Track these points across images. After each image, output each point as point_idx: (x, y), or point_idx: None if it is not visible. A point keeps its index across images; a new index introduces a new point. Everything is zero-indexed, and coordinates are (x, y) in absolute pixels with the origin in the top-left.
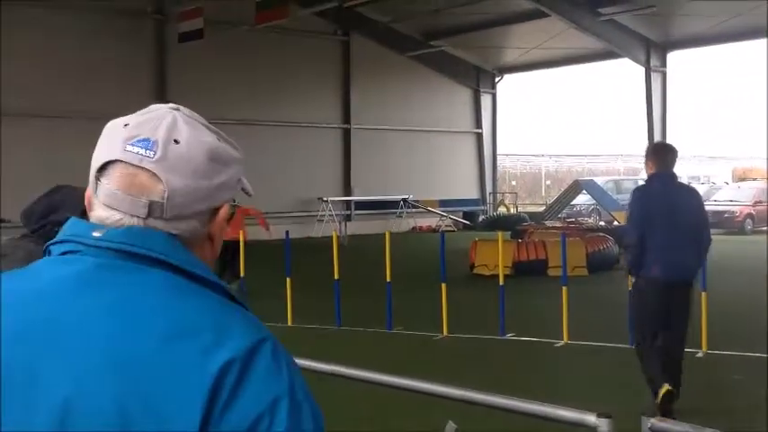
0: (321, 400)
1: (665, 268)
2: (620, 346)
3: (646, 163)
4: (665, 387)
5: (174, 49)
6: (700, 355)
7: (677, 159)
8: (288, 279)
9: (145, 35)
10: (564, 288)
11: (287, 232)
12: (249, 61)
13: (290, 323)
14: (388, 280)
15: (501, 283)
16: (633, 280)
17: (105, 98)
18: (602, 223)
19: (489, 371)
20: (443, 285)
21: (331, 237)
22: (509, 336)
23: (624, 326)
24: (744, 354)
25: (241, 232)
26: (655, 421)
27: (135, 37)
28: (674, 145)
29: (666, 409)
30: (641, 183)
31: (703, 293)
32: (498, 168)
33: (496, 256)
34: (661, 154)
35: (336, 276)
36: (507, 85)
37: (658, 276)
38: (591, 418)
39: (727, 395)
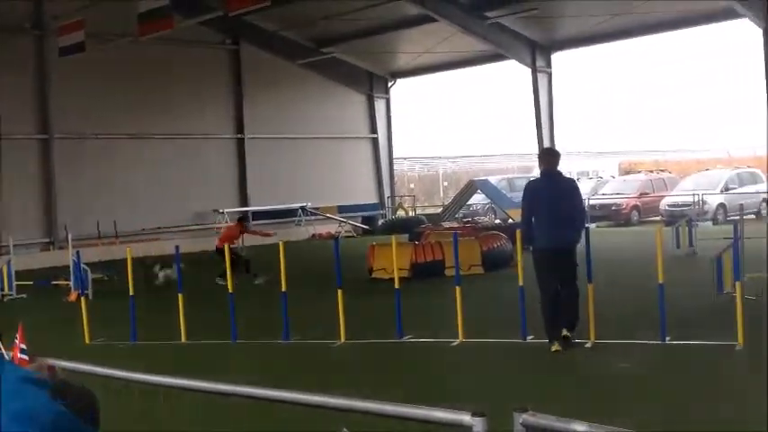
0: (205, 416)
1: (548, 241)
2: (513, 341)
3: (538, 163)
4: (555, 345)
5: (58, 65)
6: (588, 345)
7: (561, 158)
8: (180, 295)
9: (24, 51)
10: (458, 288)
11: (176, 247)
12: (137, 74)
13: (184, 340)
14: (283, 290)
15: (396, 286)
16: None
17: None
18: (497, 221)
19: (385, 375)
20: (340, 292)
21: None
22: (406, 338)
23: (518, 321)
24: (631, 342)
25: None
26: (526, 416)
27: (14, 53)
28: (562, 142)
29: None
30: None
31: (590, 285)
32: (396, 172)
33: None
34: (545, 156)
35: (230, 290)
36: (400, 89)
37: (544, 247)
38: (466, 418)
39: (613, 383)
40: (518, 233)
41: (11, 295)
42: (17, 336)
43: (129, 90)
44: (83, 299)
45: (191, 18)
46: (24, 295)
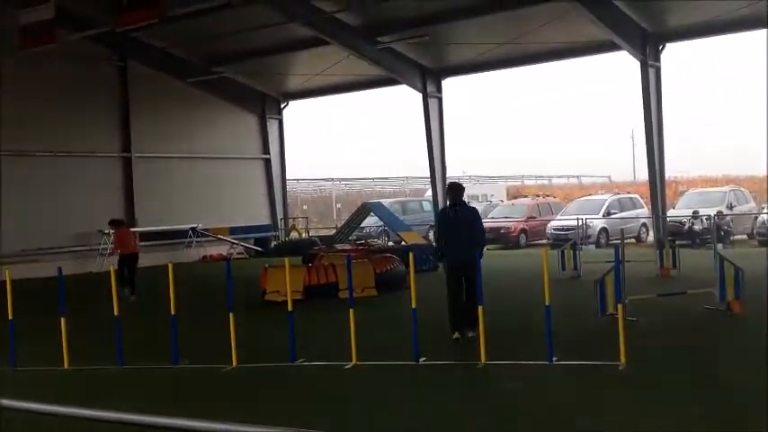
0: None
1: (455, 257)
2: (406, 363)
3: (446, 194)
4: (455, 334)
5: None
6: (479, 366)
7: (464, 189)
8: (62, 319)
9: None
10: (351, 310)
11: (59, 269)
12: (20, 88)
13: (66, 366)
14: (172, 313)
15: (290, 309)
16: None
17: None
18: (390, 244)
19: (276, 400)
20: (231, 315)
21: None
22: (299, 362)
23: (411, 343)
24: (520, 362)
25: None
26: None
27: None
28: (453, 167)
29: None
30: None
31: (480, 307)
32: (289, 193)
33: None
34: (452, 190)
35: (116, 312)
36: (294, 110)
37: (452, 262)
38: None
39: (503, 403)
40: (410, 256)
41: None
42: None
43: (12, 105)
44: None
45: (76, 33)
46: None
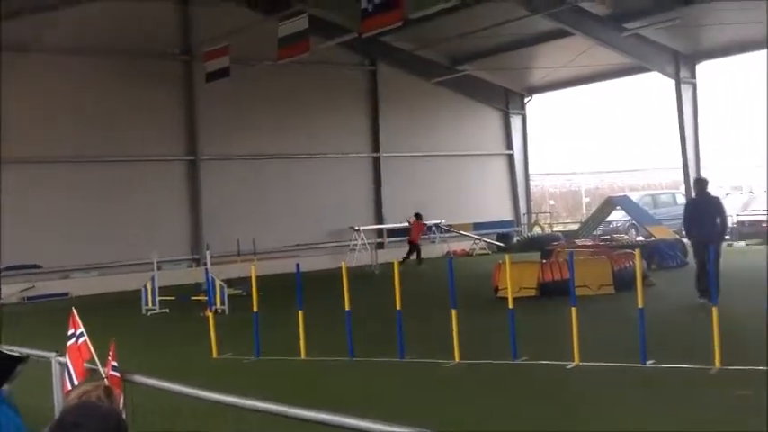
0: None
1: (699, 237)
2: (631, 365)
3: (693, 187)
4: (701, 299)
5: (201, 89)
6: (712, 371)
7: (708, 182)
8: (300, 311)
9: (173, 76)
10: (573, 308)
11: (297, 265)
12: (276, 96)
13: (303, 356)
14: (398, 308)
15: (510, 306)
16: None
17: (137, 142)
18: (639, 239)
19: (490, 399)
20: (454, 312)
21: (362, 266)
22: (521, 360)
23: (636, 344)
24: (758, 368)
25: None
26: None
27: (163, 78)
28: (709, 155)
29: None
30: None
31: (714, 308)
32: (537, 188)
33: (519, 279)
34: (698, 184)
35: (347, 307)
36: (537, 105)
37: (697, 239)
38: None
39: (730, 413)
40: (637, 253)
41: (154, 309)
42: (110, 353)
43: (270, 112)
44: (210, 314)
45: (327, 41)
46: (167, 310)
